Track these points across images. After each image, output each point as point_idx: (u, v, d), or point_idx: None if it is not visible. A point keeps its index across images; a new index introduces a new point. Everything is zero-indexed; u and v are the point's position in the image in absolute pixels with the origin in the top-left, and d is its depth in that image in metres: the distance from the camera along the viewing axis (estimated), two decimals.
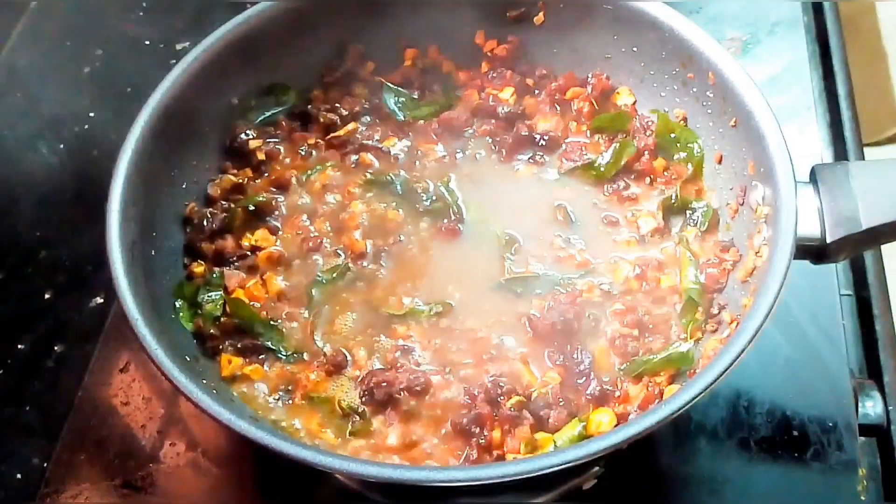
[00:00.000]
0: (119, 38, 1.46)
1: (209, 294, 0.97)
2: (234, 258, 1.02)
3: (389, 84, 1.14)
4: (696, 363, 0.91)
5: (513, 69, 1.14)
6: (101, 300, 1.16)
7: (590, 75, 1.12)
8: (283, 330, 0.97)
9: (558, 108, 1.13)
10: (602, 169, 1.06)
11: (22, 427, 1.07)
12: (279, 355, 0.95)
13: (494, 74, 1.14)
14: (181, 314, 0.95)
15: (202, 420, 1.03)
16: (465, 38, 1.15)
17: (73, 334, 1.13)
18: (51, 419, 1.06)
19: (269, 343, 0.95)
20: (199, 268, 1.00)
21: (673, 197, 1.03)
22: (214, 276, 0.99)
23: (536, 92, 1.14)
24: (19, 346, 1.13)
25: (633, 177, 1.06)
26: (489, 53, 1.15)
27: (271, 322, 0.97)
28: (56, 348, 1.12)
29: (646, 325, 0.95)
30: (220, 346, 0.95)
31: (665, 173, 1.06)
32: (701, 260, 0.98)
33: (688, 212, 1.02)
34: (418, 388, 0.91)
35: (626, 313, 0.96)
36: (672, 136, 1.05)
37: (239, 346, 0.95)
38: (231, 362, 0.94)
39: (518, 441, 0.86)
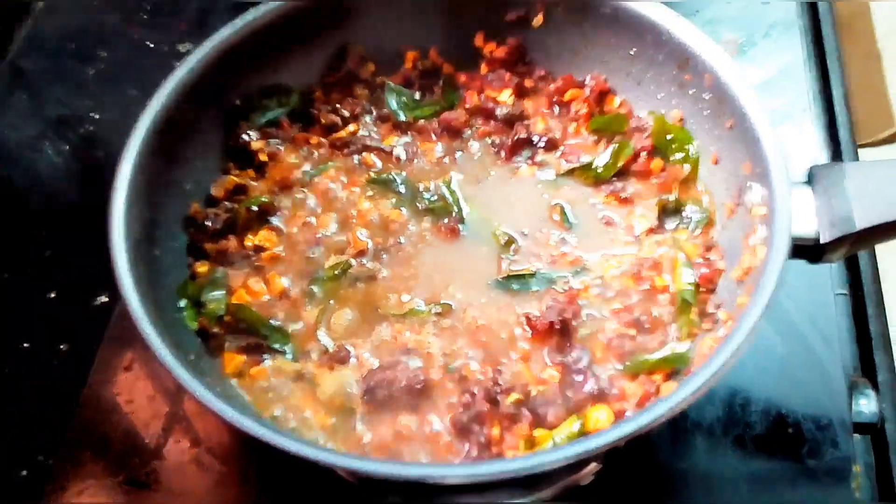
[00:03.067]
0: (123, 40, 1.46)
1: (213, 293, 0.98)
2: (238, 258, 1.03)
3: (391, 84, 1.15)
4: (692, 362, 0.91)
5: (511, 71, 1.15)
6: (106, 299, 1.16)
7: (588, 77, 1.13)
8: (288, 330, 0.98)
9: (557, 109, 1.14)
10: (600, 170, 1.07)
11: (27, 425, 1.08)
12: (285, 356, 0.96)
13: (493, 76, 1.15)
14: (185, 313, 0.96)
15: (206, 417, 1.04)
16: (465, 40, 1.16)
17: (77, 333, 1.14)
18: (55, 417, 1.06)
19: (275, 345, 0.96)
20: (202, 267, 1.01)
21: (670, 198, 1.04)
22: (218, 274, 1.00)
23: (535, 94, 1.15)
24: (24, 345, 1.14)
25: (630, 178, 1.07)
26: (488, 55, 1.16)
27: (275, 324, 0.98)
28: (60, 347, 1.13)
29: (642, 325, 0.96)
30: (224, 344, 0.96)
31: (662, 174, 1.07)
32: (694, 261, 0.99)
33: (683, 213, 1.03)
34: (418, 387, 0.92)
35: (622, 312, 0.97)
36: (668, 137, 1.06)
37: (244, 344, 0.96)
38: (234, 359, 0.95)
39: (517, 438, 0.87)
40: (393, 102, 1.14)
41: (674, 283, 0.98)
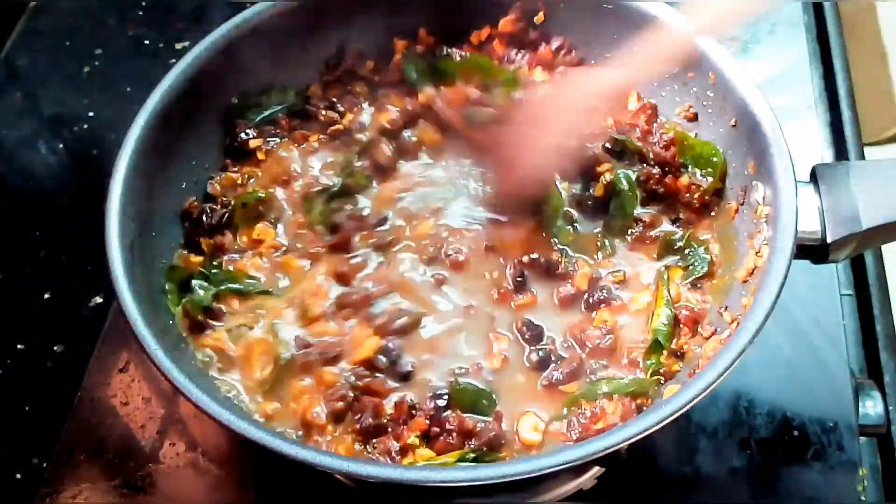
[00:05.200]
0: (119, 37, 1.46)
1: (202, 282, 0.96)
2: (233, 253, 1.01)
3: (408, 53, 1.13)
4: (695, 363, 0.90)
5: (522, 41, 1.12)
6: (101, 300, 1.16)
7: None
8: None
9: None
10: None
11: (21, 427, 1.07)
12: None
13: (516, 56, 1.12)
14: (168, 297, 0.94)
15: (202, 420, 1.03)
16: (464, 34, 1.15)
17: (72, 334, 1.13)
18: (50, 419, 1.05)
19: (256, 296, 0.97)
20: (196, 259, 0.99)
21: (679, 239, 0.98)
22: (213, 269, 0.99)
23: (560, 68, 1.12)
24: (18, 346, 1.13)
25: (655, 206, 1.02)
26: (496, 33, 1.13)
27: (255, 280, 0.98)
28: (55, 348, 1.12)
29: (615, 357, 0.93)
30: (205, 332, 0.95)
31: (688, 194, 1.01)
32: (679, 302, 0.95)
33: (687, 251, 0.98)
34: None
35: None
36: (690, 146, 1.02)
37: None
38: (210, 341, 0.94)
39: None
40: (411, 74, 1.12)
41: (651, 320, 0.93)
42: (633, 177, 1.01)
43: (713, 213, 1.00)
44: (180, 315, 0.93)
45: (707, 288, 0.96)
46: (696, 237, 0.99)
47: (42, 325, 1.15)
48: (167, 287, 0.94)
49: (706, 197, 1.00)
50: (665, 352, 0.91)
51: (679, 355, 0.91)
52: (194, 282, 0.96)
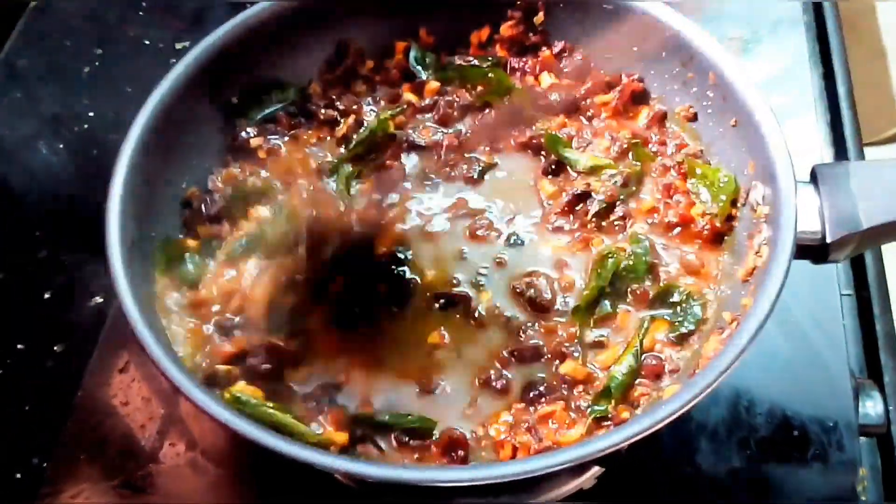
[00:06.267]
0: (119, 37, 1.46)
1: (196, 257, 0.96)
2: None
3: (415, 44, 1.13)
4: (696, 363, 0.90)
5: (524, 44, 1.12)
6: (101, 300, 1.15)
7: (622, 76, 1.09)
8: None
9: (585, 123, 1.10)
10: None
11: (21, 427, 1.07)
12: None
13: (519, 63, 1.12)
14: (155, 267, 0.94)
15: (202, 420, 1.03)
16: (465, 35, 1.15)
17: (72, 334, 1.13)
18: (50, 419, 1.05)
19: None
20: (192, 242, 0.99)
21: (677, 294, 0.94)
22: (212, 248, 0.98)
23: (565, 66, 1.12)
24: (19, 346, 1.13)
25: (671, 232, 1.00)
26: (497, 38, 1.14)
27: None
28: (55, 348, 1.12)
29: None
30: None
31: (701, 223, 0.98)
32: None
33: (678, 308, 0.94)
34: None
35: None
36: (702, 174, 0.99)
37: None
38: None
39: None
40: (414, 62, 1.13)
41: (612, 364, 0.90)
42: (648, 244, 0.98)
43: (723, 243, 0.97)
44: (161, 282, 0.93)
45: (688, 346, 0.92)
46: (696, 292, 0.94)
47: (42, 325, 1.15)
48: (157, 256, 0.94)
49: (717, 224, 0.96)
50: (613, 401, 0.88)
51: (633, 405, 0.88)
52: (187, 256, 0.96)
